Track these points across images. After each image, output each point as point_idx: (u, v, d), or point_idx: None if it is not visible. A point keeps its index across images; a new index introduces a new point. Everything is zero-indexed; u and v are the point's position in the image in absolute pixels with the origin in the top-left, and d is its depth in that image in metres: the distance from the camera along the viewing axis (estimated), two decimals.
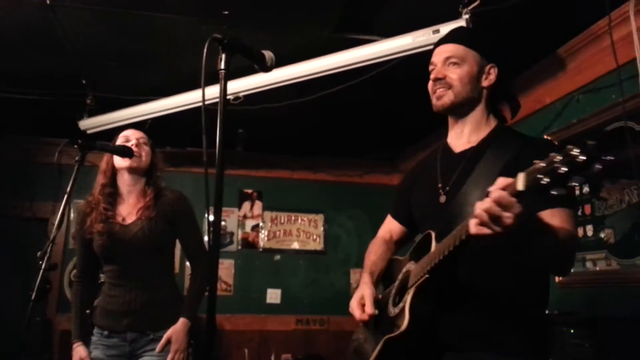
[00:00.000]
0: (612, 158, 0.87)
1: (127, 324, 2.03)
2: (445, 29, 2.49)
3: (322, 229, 5.03)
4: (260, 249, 4.91)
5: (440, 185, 1.50)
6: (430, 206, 1.51)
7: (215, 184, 1.29)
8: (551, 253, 1.23)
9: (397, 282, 1.53)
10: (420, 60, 2.63)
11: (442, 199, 1.47)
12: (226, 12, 2.60)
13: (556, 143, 1.13)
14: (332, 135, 4.50)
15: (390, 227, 1.79)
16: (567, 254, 1.31)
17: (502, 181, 1.04)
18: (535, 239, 1.18)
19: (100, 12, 2.63)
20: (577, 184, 0.92)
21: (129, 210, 2.12)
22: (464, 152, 1.50)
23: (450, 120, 1.57)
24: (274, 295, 4.79)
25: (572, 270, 2.73)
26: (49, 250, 1.85)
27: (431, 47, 2.52)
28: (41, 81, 3.40)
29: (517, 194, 1.01)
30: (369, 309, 1.47)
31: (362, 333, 1.61)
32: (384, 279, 1.64)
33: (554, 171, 0.91)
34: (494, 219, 1.03)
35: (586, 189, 2.77)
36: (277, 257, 4.92)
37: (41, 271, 1.81)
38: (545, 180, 0.93)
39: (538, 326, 1.38)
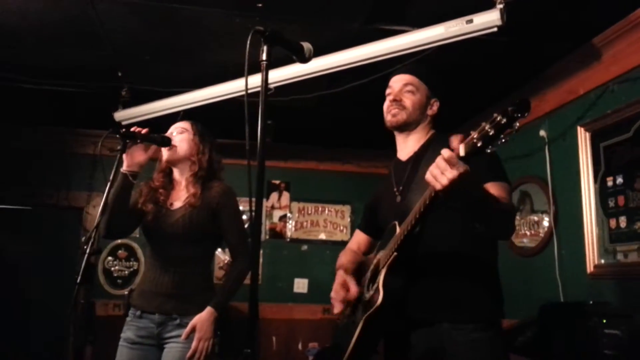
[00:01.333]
0: (526, 115, 1.15)
1: (156, 305, 2.09)
2: (478, 19, 2.48)
3: (348, 220, 5.06)
4: (288, 239, 4.98)
5: (395, 189, 1.79)
6: (391, 208, 1.78)
7: (257, 174, 1.34)
8: (496, 213, 1.46)
9: (368, 273, 1.74)
10: (451, 50, 2.66)
11: (398, 199, 1.76)
12: (260, 4, 2.63)
13: None
14: (360, 127, 4.50)
15: (358, 239, 2.09)
16: (507, 216, 1.54)
17: (449, 148, 1.28)
18: (482, 203, 1.41)
19: (137, 6, 2.69)
20: (505, 140, 1.18)
21: (178, 197, 2.21)
22: (409, 159, 1.81)
23: (398, 136, 1.87)
24: (301, 285, 4.85)
25: (602, 262, 2.75)
26: (93, 235, 1.93)
27: (464, 37, 2.57)
28: (78, 74, 3.49)
29: (461, 159, 1.26)
30: (354, 288, 1.71)
31: (343, 324, 1.83)
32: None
33: (485, 135, 1.19)
34: (443, 170, 1.26)
35: (620, 180, 2.74)
36: (305, 247, 4.98)
37: (86, 255, 1.87)
38: (480, 142, 1.20)
39: (495, 289, 1.65)
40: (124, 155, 2.08)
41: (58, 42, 3.08)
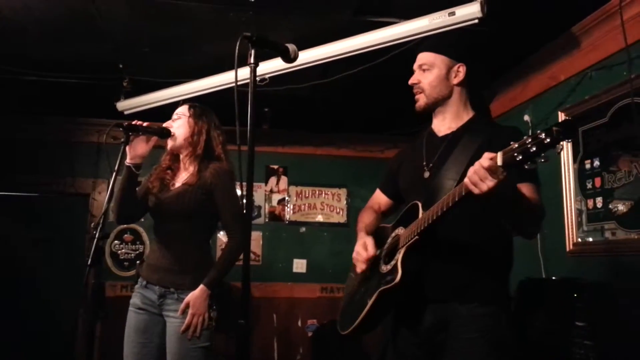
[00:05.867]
0: (570, 141, 1.16)
1: (157, 278, 2.25)
2: (460, 11, 2.60)
3: (345, 202, 5.22)
4: (286, 222, 5.13)
5: (424, 163, 1.78)
6: (415, 181, 1.79)
7: (247, 161, 1.49)
8: (525, 215, 1.53)
9: (386, 245, 1.77)
10: None
11: (426, 174, 1.75)
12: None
13: (521, 131, 1.54)
14: (354, 112, 4.64)
15: (379, 199, 2.07)
16: (535, 218, 1.60)
17: (487, 154, 1.31)
18: (514, 205, 1.45)
19: (134, 0, 2.82)
20: (544, 160, 1.19)
21: (180, 177, 2.37)
22: (446, 136, 1.79)
23: (433, 113, 1.86)
24: (299, 265, 5.03)
25: (581, 240, 2.91)
26: (101, 221, 2.09)
27: (447, 28, 2.68)
28: (81, 66, 3.62)
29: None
30: (372, 250, 1.74)
31: (353, 288, 1.87)
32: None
33: (526, 150, 1.19)
34: (483, 178, 1.30)
35: (597, 163, 2.88)
36: (303, 229, 5.14)
37: (95, 240, 2.04)
38: (520, 156, 1.20)
39: (506, 278, 1.72)
40: (127, 148, 2.23)
41: (61, 36, 3.21)
